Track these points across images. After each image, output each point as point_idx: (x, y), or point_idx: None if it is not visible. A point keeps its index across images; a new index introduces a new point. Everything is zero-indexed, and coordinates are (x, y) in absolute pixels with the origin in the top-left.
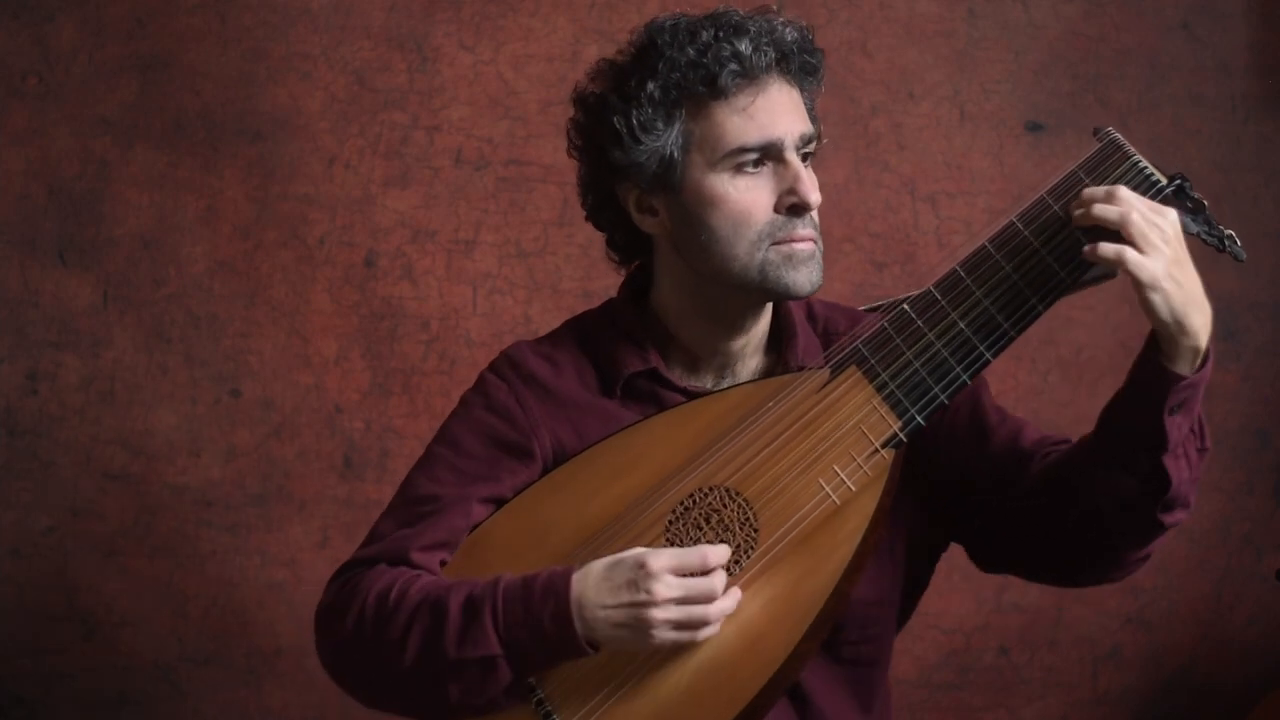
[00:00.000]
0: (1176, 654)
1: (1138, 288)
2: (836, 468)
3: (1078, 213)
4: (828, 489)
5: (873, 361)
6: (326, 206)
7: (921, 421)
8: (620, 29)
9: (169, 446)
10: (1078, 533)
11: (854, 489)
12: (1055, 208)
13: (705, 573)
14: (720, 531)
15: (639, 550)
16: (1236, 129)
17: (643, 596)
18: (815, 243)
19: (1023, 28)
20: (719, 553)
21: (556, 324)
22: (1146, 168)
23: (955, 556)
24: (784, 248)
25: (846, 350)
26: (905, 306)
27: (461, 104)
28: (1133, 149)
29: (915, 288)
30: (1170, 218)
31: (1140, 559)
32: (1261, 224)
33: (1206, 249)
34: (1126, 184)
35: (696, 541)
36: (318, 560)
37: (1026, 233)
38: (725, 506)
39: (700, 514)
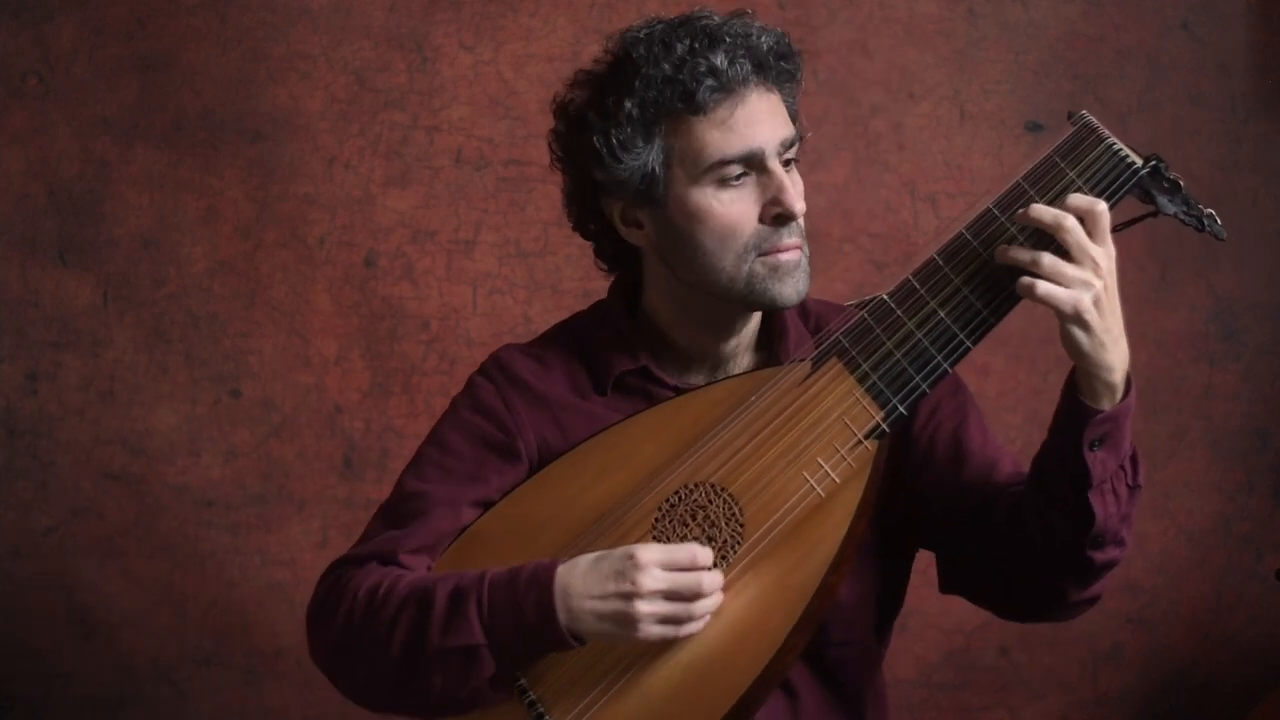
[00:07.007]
0: (1176, 654)
1: (1059, 319)
2: (820, 460)
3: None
4: (812, 481)
5: (853, 353)
6: (326, 206)
7: (904, 411)
8: (620, 29)
9: (169, 446)
10: (1020, 568)
11: (838, 481)
12: (1031, 193)
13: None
14: (706, 527)
15: (629, 545)
16: (1236, 129)
17: (628, 587)
18: (802, 250)
19: (1023, 28)
20: (707, 553)
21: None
22: (1121, 149)
23: None
24: (770, 259)
25: (827, 343)
26: (884, 297)
27: (461, 104)
28: (1107, 132)
29: None
30: (1109, 250)
31: (1085, 600)
32: (1261, 224)
33: (1196, 235)
34: (1101, 166)
35: (683, 538)
36: (318, 560)
37: (1003, 219)
38: (711, 502)
39: (686, 510)
